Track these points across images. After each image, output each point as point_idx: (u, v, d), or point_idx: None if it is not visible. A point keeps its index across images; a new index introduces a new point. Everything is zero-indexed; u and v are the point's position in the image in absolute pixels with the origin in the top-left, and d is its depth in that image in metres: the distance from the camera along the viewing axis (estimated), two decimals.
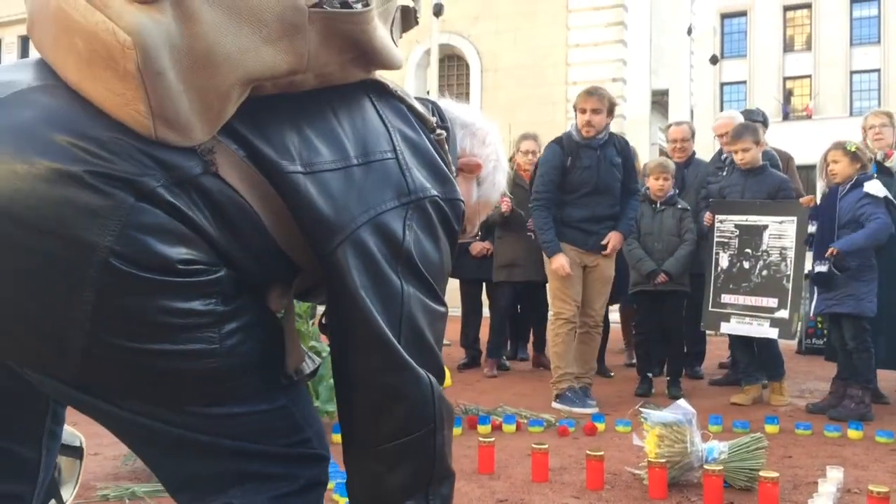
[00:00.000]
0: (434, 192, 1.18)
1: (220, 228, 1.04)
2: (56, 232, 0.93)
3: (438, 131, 1.27)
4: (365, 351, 1.11)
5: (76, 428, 1.86)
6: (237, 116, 1.05)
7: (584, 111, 4.59)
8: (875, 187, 4.39)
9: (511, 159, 5.93)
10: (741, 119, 5.60)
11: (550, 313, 4.81)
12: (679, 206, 5.12)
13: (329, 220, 1.08)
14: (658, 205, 5.10)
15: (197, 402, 1.04)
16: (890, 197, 4.40)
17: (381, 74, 1.25)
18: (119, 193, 0.95)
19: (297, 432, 1.14)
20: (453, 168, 1.29)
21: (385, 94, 1.24)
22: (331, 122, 1.13)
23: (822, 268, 4.47)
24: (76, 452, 1.85)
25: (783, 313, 4.64)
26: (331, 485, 2.72)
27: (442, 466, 1.19)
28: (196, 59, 0.98)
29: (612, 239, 4.60)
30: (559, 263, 4.52)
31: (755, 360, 4.87)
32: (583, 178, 4.60)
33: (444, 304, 1.21)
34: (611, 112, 4.66)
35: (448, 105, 1.40)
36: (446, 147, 1.28)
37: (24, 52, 22.45)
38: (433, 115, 1.30)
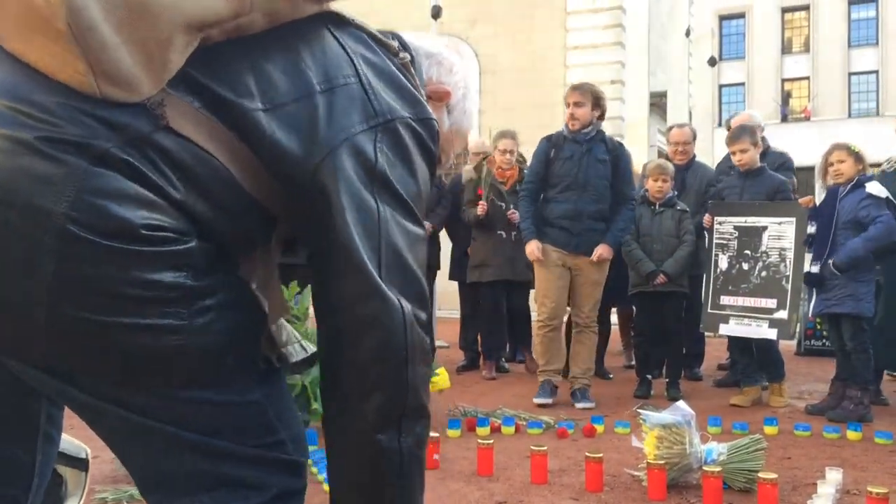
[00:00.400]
0: (404, 114, 1.15)
1: (186, 189, 0.99)
2: (10, 202, 0.91)
3: (402, 55, 1.23)
4: (343, 278, 1.07)
5: (71, 433, 1.85)
6: (190, 64, 1.01)
7: (568, 105, 4.75)
8: (876, 188, 4.39)
9: (487, 159, 5.86)
10: (759, 119, 5.65)
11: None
12: (678, 208, 5.12)
13: (295, 153, 1.04)
14: (657, 206, 5.11)
15: (165, 384, 1.00)
16: (891, 197, 4.40)
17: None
18: (71, 158, 0.92)
19: (270, 433, 1.08)
20: (422, 91, 1.25)
21: (343, 23, 1.19)
22: (289, 56, 1.10)
23: (814, 268, 4.48)
24: (82, 464, 1.81)
25: (782, 314, 4.64)
26: (323, 477, 2.71)
27: (416, 400, 1.12)
28: (132, 10, 0.95)
29: (600, 251, 4.64)
30: (530, 249, 4.68)
31: (754, 362, 4.87)
32: (563, 169, 4.69)
33: (422, 226, 1.17)
34: (597, 105, 4.73)
35: (410, 37, 1.35)
36: (412, 70, 1.24)
37: None
38: (394, 41, 1.26)
